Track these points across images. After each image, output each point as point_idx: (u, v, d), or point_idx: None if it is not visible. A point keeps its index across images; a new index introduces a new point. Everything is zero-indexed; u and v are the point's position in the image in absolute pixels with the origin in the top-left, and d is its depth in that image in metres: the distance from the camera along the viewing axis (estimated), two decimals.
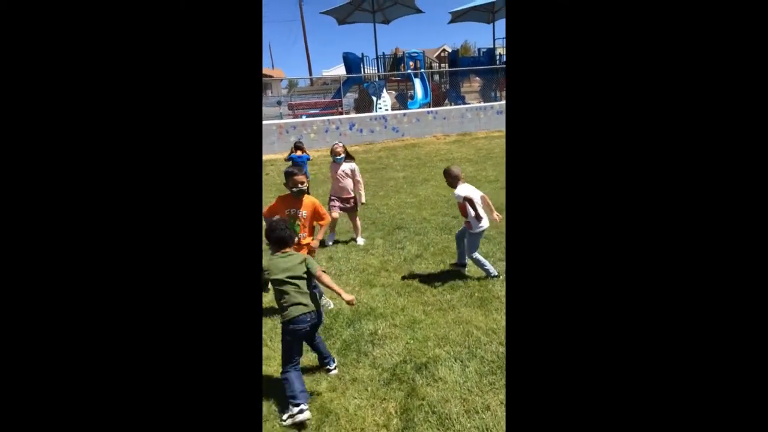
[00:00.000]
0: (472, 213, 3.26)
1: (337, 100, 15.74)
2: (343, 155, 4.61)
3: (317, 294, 3.11)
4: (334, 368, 2.39)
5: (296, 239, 3.02)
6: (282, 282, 2.13)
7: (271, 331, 2.90)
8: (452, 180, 3.32)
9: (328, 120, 12.58)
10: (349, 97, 16.95)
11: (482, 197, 3.37)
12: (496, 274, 3.33)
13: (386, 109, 14.45)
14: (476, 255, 3.34)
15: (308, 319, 2.13)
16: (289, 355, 2.12)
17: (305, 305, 2.12)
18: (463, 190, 3.29)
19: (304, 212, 3.05)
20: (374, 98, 14.62)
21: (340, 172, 4.55)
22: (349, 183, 4.44)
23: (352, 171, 4.53)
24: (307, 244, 3.05)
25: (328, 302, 3.20)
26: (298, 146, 7.04)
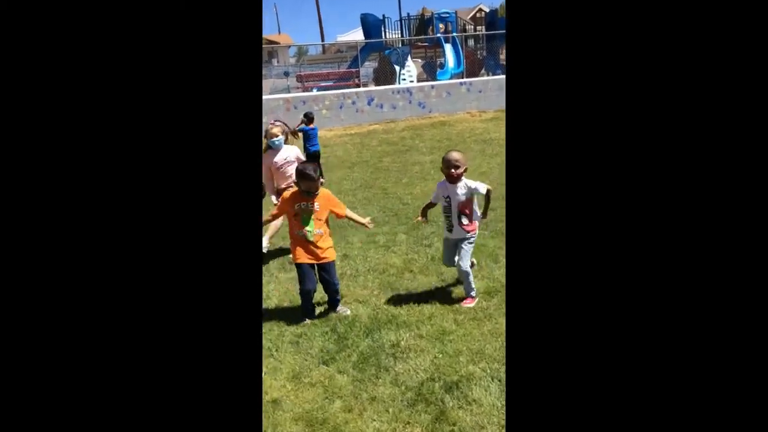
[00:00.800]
0: (478, 213, 3.22)
1: (353, 70, 15.72)
2: (282, 138, 4.23)
3: (335, 292, 3.17)
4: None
5: (308, 236, 3.05)
6: None
7: (278, 339, 2.95)
8: (462, 171, 3.09)
9: (343, 94, 12.59)
10: (368, 67, 16.89)
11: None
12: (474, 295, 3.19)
13: (411, 81, 14.34)
14: (469, 267, 3.17)
15: None
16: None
17: None
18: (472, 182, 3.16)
19: (317, 204, 3.07)
20: (397, 68, 14.52)
21: (280, 159, 4.18)
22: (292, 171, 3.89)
23: (298, 158, 4.20)
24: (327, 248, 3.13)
25: (345, 309, 3.23)
26: (309, 117, 7.16)
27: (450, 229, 3.22)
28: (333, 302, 3.26)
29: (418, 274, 3.73)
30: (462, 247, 3.17)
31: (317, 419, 2.20)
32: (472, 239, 3.22)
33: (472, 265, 3.35)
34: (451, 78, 14.15)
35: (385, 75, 14.62)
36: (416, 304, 3.21)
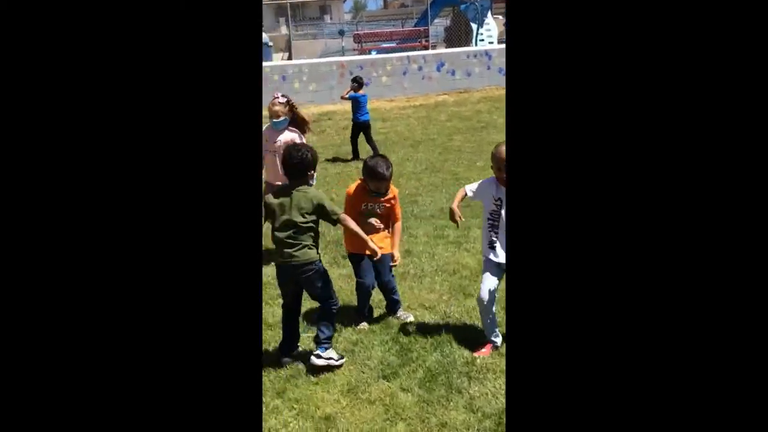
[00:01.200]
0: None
1: (420, 28, 15.55)
2: (285, 118, 3.89)
3: (392, 290, 3.15)
4: (326, 354, 2.71)
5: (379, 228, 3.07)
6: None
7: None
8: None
9: (408, 57, 12.49)
10: (438, 25, 16.65)
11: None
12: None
13: (491, 42, 14.00)
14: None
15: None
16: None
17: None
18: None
19: (386, 207, 3.11)
20: (474, 26, 14.21)
21: (279, 143, 3.83)
22: None
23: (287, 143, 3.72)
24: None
25: (406, 315, 3.22)
26: (359, 83, 7.33)
27: (493, 246, 2.78)
28: (392, 304, 3.25)
29: None
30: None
31: None
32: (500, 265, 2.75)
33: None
34: None
35: (459, 35, 14.36)
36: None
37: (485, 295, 2.75)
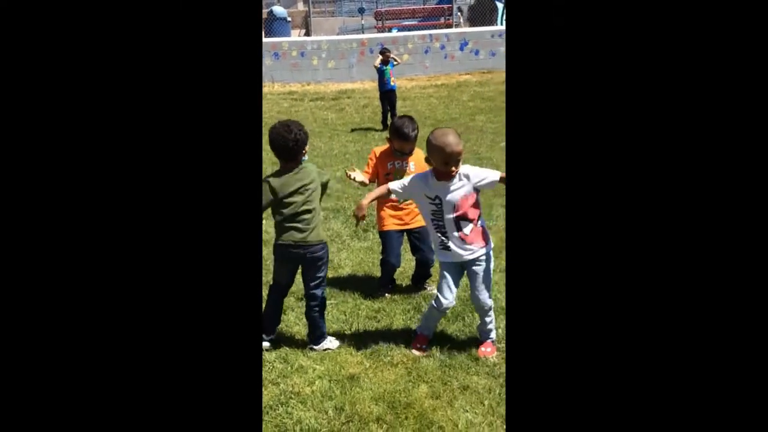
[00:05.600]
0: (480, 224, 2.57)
1: (444, 6, 15.46)
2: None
3: (427, 262, 3.26)
4: (322, 346, 2.76)
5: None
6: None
7: (353, 312, 3.12)
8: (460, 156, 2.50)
9: (431, 35, 12.48)
10: (462, 2, 16.52)
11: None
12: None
13: None
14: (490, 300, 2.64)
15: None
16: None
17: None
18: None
19: (412, 164, 3.16)
20: (500, 4, 14.10)
21: None
22: None
23: None
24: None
25: (432, 287, 3.33)
26: (386, 53, 7.82)
27: (445, 246, 2.59)
28: (422, 275, 3.36)
29: None
30: (477, 274, 2.58)
31: (400, 402, 2.34)
32: (485, 258, 2.59)
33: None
34: None
35: (484, 13, 14.26)
36: None
37: (451, 300, 2.65)
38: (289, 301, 3.24)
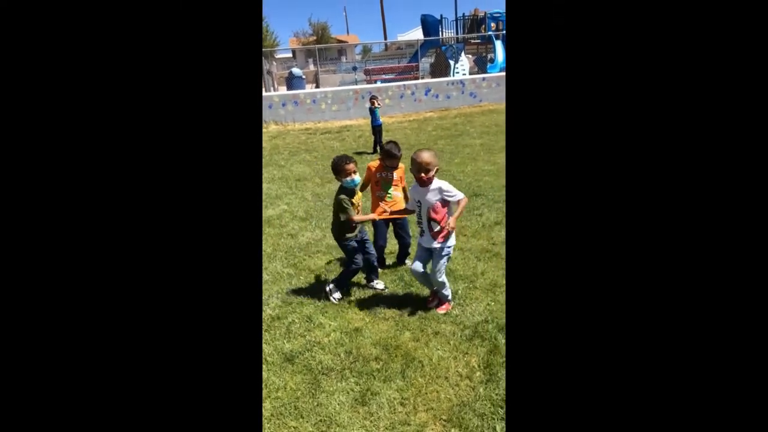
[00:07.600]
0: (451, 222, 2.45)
1: (413, 64, 15.42)
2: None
3: (406, 246, 3.28)
4: (377, 284, 2.95)
5: (386, 197, 3.16)
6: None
7: (354, 282, 3.09)
8: (433, 173, 2.42)
9: (404, 85, 12.39)
10: (425, 62, 16.48)
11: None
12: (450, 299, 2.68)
13: (464, 74, 13.86)
14: (444, 278, 2.60)
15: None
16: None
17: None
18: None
19: (395, 175, 3.18)
20: (452, 62, 14.07)
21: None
22: None
23: None
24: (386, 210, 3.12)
25: (411, 263, 3.32)
26: (374, 99, 8.00)
27: (421, 234, 2.59)
28: (403, 254, 3.35)
29: (470, 237, 3.73)
30: (436, 260, 2.55)
31: (392, 345, 2.33)
32: (446, 252, 2.52)
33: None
34: (500, 71, 13.56)
35: (441, 69, 14.23)
36: (470, 262, 3.24)
37: (417, 268, 2.62)
38: (310, 278, 3.21)
